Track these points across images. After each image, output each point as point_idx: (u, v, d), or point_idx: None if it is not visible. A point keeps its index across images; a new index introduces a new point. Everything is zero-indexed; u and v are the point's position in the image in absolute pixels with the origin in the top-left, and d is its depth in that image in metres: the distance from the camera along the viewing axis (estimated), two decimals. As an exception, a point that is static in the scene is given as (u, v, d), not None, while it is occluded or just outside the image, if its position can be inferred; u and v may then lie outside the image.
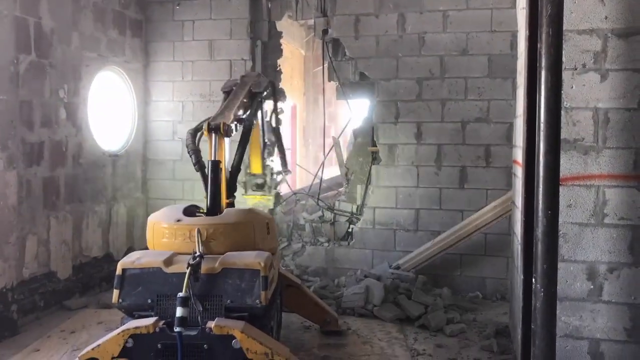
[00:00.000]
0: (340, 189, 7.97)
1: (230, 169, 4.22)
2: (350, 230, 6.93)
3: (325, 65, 7.06)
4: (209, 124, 4.00)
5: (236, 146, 4.40)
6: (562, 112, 3.48)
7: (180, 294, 3.25)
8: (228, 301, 3.41)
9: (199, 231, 3.61)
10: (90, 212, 6.39)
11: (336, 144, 7.88)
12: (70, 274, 6.02)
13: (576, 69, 3.68)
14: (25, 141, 5.39)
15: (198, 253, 3.49)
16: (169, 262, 3.52)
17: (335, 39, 6.88)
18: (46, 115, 5.67)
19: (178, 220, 3.77)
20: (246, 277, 3.45)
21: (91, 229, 6.41)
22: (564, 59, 3.48)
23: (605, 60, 3.65)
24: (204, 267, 3.43)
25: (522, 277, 3.97)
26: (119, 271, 3.54)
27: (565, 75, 3.60)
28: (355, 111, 7.23)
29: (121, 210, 6.95)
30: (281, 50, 7.43)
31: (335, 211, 7.03)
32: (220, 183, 3.99)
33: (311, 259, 6.84)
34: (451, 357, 4.70)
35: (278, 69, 7.41)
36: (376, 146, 6.70)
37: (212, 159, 3.97)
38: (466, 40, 6.37)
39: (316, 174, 7.66)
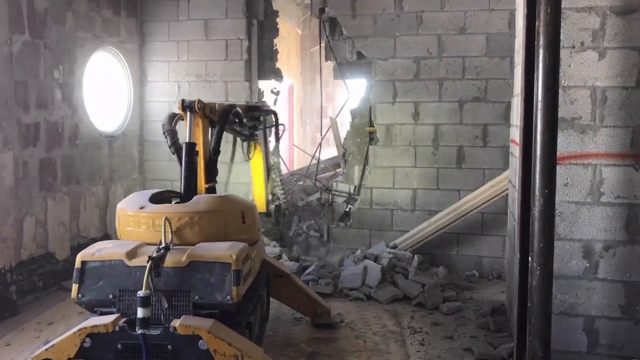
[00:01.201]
0: (338, 170, 7.97)
1: (210, 152, 3.91)
2: (348, 210, 6.94)
3: (322, 44, 7.01)
4: (182, 101, 3.78)
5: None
6: (560, 91, 3.48)
7: (140, 293, 2.97)
8: (196, 297, 3.14)
9: (167, 220, 3.28)
10: (87, 193, 6.39)
11: (334, 124, 7.87)
12: (68, 254, 6.03)
13: (574, 47, 3.67)
14: (20, 122, 5.36)
15: (163, 244, 3.20)
16: (132, 254, 3.24)
17: (332, 18, 6.81)
18: (41, 96, 5.64)
19: (141, 208, 3.48)
20: (216, 270, 3.16)
21: (89, 210, 6.42)
22: (562, 37, 3.47)
23: (603, 38, 3.63)
24: (170, 260, 3.15)
25: (518, 255, 3.99)
26: (77, 264, 3.26)
27: (563, 53, 3.59)
28: (353, 91, 7.19)
29: (118, 191, 6.94)
30: (277, 30, 7.36)
31: (332, 192, 7.03)
32: (195, 167, 3.74)
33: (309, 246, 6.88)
34: (447, 335, 4.75)
35: (274, 48, 7.36)
36: (373, 126, 6.68)
37: (187, 140, 3.73)
38: (464, 18, 6.32)
39: (313, 155, 7.65)
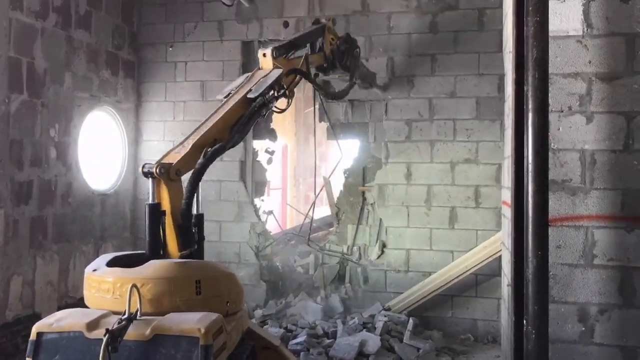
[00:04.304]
0: (331, 229, 7.94)
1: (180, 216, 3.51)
2: (340, 272, 6.87)
3: (316, 106, 7.14)
4: (143, 166, 3.44)
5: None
6: (550, 154, 3.53)
7: None
8: None
9: (134, 287, 2.94)
10: (77, 252, 6.32)
11: (327, 184, 7.90)
12: (55, 315, 5.90)
13: (562, 112, 3.74)
14: (14, 180, 5.36)
15: (126, 315, 2.87)
16: (94, 324, 2.89)
17: (325, 81, 6.97)
18: (36, 154, 5.67)
19: (94, 270, 3.22)
20: (182, 346, 2.82)
21: (78, 269, 6.32)
22: (550, 101, 3.55)
23: (590, 103, 3.72)
24: (132, 333, 2.82)
25: (513, 318, 3.93)
26: (33, 335, 2.92)
27: (552, 117, 3.66)
28: (345, 151, 7.27)
29: (109, 249, 6.87)
30: (272, 92, 7.49)
31: (325, 252, 6.98)
32: (157, 231, 3.44)
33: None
34: (443, 402, 4.62)
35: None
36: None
37: (151, 201, 3.45)
38: (454, 83, 6.48)
39: (307, 214, 7.64)
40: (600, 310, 3.65)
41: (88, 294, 3.29)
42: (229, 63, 7.23)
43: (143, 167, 3.44)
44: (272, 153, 7.89)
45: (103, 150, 7.14)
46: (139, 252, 3.61)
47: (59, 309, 5.97)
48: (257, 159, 7.56)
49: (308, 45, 4.95)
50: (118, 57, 7.06)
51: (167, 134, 7.42)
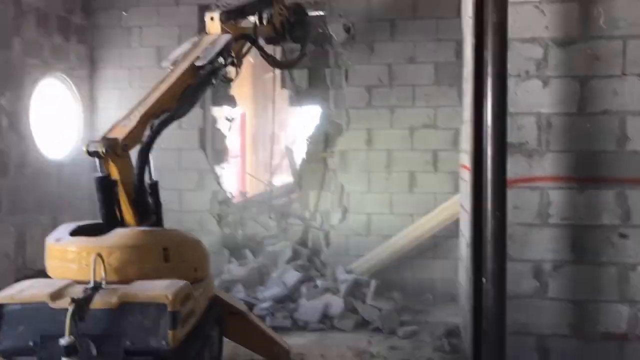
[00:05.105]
0: (292, 196, 8.00)
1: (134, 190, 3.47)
2: (303, 237, 6.97)
3: (276, 72, 7.10)
4: (87, 145, 3.33)
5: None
6: (508, 117, 3.63)
7: (63, 341, 2.62)
8: (128, 343, 2.82)
9: (98, 256, 2.95)
10: (34, 224, 6.17)
11: (289, 152, 7.92)
12: (13, 288, 5.80)
13: (520, 76, 3.85)
14: (-36, 150, 5.18)
15: (92, 284, 2.90)
16: (57, 295, 2.89)
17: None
18: (-13, 124, 5.48)
19: (57, 240, 3.22)
20: (150, 313, 2.85)
21: (35, 240, 6.19)
22: (508, 66, 3.64)
23: (546, 67, 3.84)
24: (98, 302, 2.84)
25: (472, 277, 4.09)
26: None
27: (510, 82, 3.76)
28: (307, 118, 7.30)
29: (67, 220, 6.60)
30: (231, 57, 7.40)
31: (290, 215, 7.05)
32: (112, 203, 3.40)
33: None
34: (405, 359, 4.80)
35: (227, 76, 7.38)
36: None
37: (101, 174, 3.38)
38: (413, 48, 6.53)
39: (269, 182, 7.66)
40: (553, 267, 3.84)
41: (51, 264, 3.26)
42: (185, 27, 7.03)
43: (87, 146, 3.32)
44: (232, 120, 7.84)
45: (58, 119, 6.93)
46: (101, 222, 3.52)
47: (17, 281, 5.85)
48: (217, 126, 7.49)
49: (256, 14, 4.81)
50: (70, 22, 6.80)
51: (123, 101, 7.20)
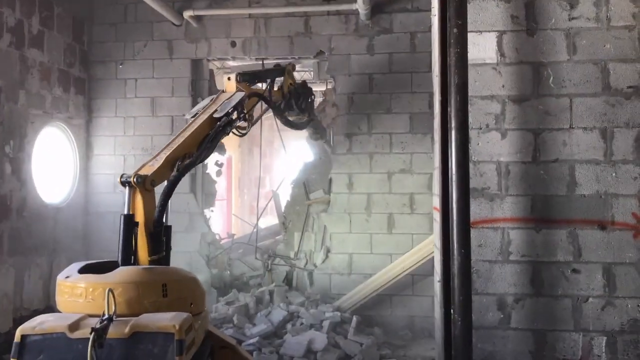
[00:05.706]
0: (278, 237, 8.35)
1: (153, 223, 3.83)
2: (287, 276, 7.30)
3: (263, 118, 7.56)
4: (121, 176, 3.75)
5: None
6: (471, 165, 4.07)
7: None
8: None
9: (110, 291, 3.23)
10: (32, 265, 6.46)
11: (275, 195, 8.32)
12: (10, 327, 6.02)
13: (481, 129, 4.31)
14: (-30, 196, 5.50)
15: (107, 315, 3.14)
16: (75, 326, 3.15)
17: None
18: (-8, 170, 5.82)
19: (67, 277, 3.50)
20: (159, 341, 3.14)
21: (33, 281, 6.47)
22: (470, 120, 4.10)
23: (504, 121, 4.30)
24: (112, 332, 3.09)
25: (442, 309, 4.47)
26: (17, 338, 3.14)
27: (472, 133, 4.21)
28: (292, 163, 7.75)
29: (62, 262, 7.01)
30: (220, 107, 7.86)
31: (276, 256, 7.38)
32: (131, 239, 3.73)
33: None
34: (384, 389, 5.10)
35: (217, 123, 7.83)
36: (309, 199, 7.20)
37: (126, 212, 3.74)
38: (390, 99, 7.06)
39: (256, 225, 8.01)
40: (515, 300, 4.22)
41: (61, 300, 3.56)
42: (178, 80, 7.54)
43: (121, 177, 3.75)
44: (220, 165, 8.23)
45: (56, 165, 7.29)
46: (109, 260, 3.90)
47: (14, 321, 6.10)
48: (207, 172, 7.89)
49: (268, 81, 5.46)
50: (70, 75, 7.26)
51: (117, 148, 7.64)
